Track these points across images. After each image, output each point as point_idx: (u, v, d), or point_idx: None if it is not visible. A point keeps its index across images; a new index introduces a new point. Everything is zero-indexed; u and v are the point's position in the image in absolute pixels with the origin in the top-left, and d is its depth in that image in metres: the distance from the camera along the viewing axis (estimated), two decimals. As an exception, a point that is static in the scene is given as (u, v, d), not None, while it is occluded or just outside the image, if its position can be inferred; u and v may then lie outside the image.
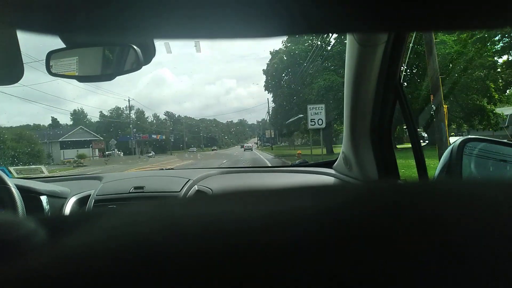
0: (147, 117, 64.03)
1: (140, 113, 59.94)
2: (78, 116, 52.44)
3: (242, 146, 57.55)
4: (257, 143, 57.98)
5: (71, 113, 52.90)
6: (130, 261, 0.16)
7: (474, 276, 0.15)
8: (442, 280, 0.15)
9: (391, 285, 0.15)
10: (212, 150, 56.28)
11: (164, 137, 53.64)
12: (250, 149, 40.96)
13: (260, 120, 66.69)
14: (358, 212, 0.19)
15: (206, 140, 72.29)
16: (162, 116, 68.19)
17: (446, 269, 0.15)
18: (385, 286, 0.15)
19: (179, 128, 65.44)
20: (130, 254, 0.17)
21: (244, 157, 21.47)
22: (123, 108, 57.39)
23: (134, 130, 41.30)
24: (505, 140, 1.04)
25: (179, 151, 53.55)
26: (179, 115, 73.40)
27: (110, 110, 57.07)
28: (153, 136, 48.99)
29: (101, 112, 56.11)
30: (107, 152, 38.20)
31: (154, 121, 64.04)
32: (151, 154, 39.37)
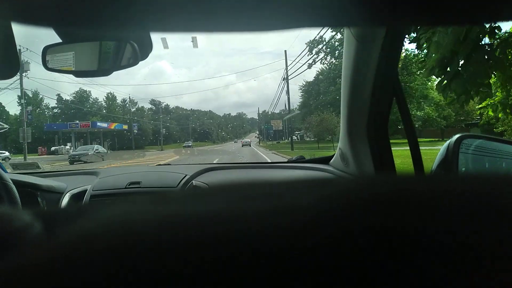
0: (127, 104, 50.65)
1: (111, 99, 48.01)
2: (29, 101, 38.70)
3: (236, 142, 52.51)
4: (258, 137, 51.25)
5: (18, 96, 36.21)
6: (126, 254, 0.16)
7: (470, 270, 0.15)
8: (438, 274, 0.15)
9: (387, 278, 0.15)
10: (184, 147, 41.41)
11: (125, 126, 39.91)
12: (248, 144, 37.41)
13: (261, 112, 61.33)
14: (354, 205, 0.19)
15: (199, 134, 63.73)
16: (147, 105, 56.26)
17: (443, 263, 0.15)
18: (382, 279, 0.15)
19: (163, 119, 54.45)
20: (126, 247, 0.17)
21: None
22: (89, 91, 46.13)
23: (29, 109, 28.13)
24: (500, 137, 1.05)
25: (155, 146, 42.73)
26: (167, 104, 63.84)
27: (73, 93, 45.77)
28: (98, 124, 33.55)
29: (58, 95, 43.55)
30: (53, 148, 30.43)
31: (132, 108, 51.16)
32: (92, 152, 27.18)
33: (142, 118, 49.46)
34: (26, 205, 1.34)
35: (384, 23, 0.38)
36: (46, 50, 0.90)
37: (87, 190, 1.53)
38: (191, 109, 74.09)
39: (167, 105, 64.00)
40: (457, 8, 0.24)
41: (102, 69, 0.92)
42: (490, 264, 0.15)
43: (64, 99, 45.00)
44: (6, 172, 1.37)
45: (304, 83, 39.93)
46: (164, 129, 51.13)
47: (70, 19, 0.25)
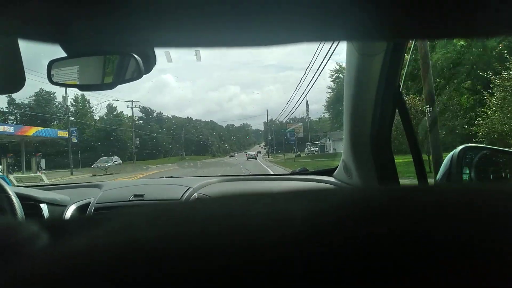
0: (109, 110, 40.76)
1: (83, 101, 37.72)
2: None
3: (232, 156, 46.72)
4: (266, 149, 45.81)
5: None
6: (130, 265, 0.16)
7: (474, 280, 0.15)
8: (442, 283, 0.15)
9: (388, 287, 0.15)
10: (96, 168, 21.03)
11: (62, 133, 24.74)
12: (254, 158, 32.63)
13: (268, 120, 54.67)
14: (357, 216, 0.19)
15: (198, 145, 54.62)
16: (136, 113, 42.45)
17: (447, 273, 0.15)
18: None
19: (151, 128, 45.11)
20: (130, 258, 0.17)
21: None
22: (53, 93, 35.28)
23: None
24: (504, 148, 1.04)
25: (142, 161, 33.61)
26: (160, 112, 53.72)
27: (32, 95, 34.59)
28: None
29: (10, 97, 32.48)
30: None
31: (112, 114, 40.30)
32: None
33: (119, 125, 39.23)
34: (29, 218, 1.33)
35: (386, 37, 0.38)
36: (52, 64, 0.91)
37: (90, 203, 1.53)
38: (188, 117, 62.24)
39: (159, 113, 53.17)
40: (458, 21, 0.24)
41: (106, 83, 0.93)
42: (494, 274, 0.15)
43: (19, 102, 34.26)
44: (10, 185, 1.38)
45: (337, 66, 31.80)
46: (138, 139, 39.20)
47: (76, 35, 0.26)
